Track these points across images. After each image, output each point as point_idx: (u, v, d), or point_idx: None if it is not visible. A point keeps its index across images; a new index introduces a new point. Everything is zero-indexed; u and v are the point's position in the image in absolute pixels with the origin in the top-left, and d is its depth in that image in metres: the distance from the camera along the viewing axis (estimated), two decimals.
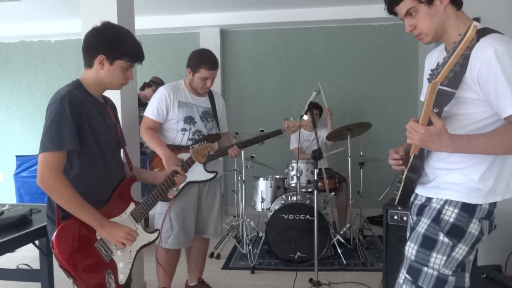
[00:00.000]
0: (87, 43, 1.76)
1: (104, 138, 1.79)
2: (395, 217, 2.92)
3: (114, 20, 2.87)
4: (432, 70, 1.33)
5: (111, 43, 1.72)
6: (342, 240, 3.99)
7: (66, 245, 1.61)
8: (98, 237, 1.71)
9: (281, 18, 5.24)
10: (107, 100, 1.94)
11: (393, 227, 2.92)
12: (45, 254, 2.40)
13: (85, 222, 1.65)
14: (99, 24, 1.76)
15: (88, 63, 1.77)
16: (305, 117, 3.02)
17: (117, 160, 1.90)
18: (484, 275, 2.23)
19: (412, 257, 1.54)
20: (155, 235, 1.97)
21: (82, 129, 1.67)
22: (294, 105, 5.39)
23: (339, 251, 3.75)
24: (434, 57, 1.69)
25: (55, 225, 1.67)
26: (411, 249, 1.55)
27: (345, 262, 3.67)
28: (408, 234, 1.74)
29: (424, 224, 1.53)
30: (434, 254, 1.49)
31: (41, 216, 2.28)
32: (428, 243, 1.50)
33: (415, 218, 1.62)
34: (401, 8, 1.52)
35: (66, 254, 1.60)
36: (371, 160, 4.31)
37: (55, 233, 1.61)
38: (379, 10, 5.59)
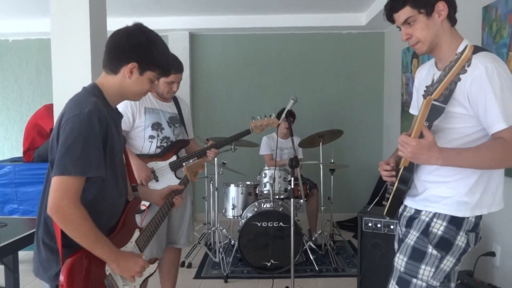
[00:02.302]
0: (117, 46, 1.51)
1: (119, 157, 1.57)
2: (370, 224, 2.98)
3: (86, 20, 2.77)
4: (427, 87, 1.36)
5: (147, 51, 1.49)
6: (314, 246, 4.02)
7: (78, 284, 1.39)
8: (107, 272, 1.49)
9: (251, 23, 5.23)
10: (118, 110, 1.68)
11: (368, 234, 2.98)
12: (11, 270, 2.26)
13: (97, 256, 1.43)
14: (129, 25, 1.53)
15: (113, 69, 1.52)
16: (272, 115, 3.00)
17: (125, 181, 1.67)
18: (459, 281, 2.30)
19: (402, 269, 1.56)
20: (155, 266, 1.77)
21: (104, 150, 1.44)
22: (264, 111, 5.28)
23: (311, 258, 3.77)
24: (424, 72, 1.72)
25: (53, 254, 1.44)
26: (400, 261, 1.57)
27: (317, 269, 3.69)
28: (396, 244, 1.77)
29: (413, 236, 1.56)
30: (423, 266, 1.52)
31: (7, 231, 2.14)
32: (417, 255, 1.53)
33: (404, 229, 1.65)
34: (400, 16, 1.54)
35: None
36: (341, 167, 4.38)
37: (65, 270, 1.36)
38: (347, 19, 5.75)
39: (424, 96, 1.34)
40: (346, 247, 4.39)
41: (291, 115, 4.42)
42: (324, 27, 5.27)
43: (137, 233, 1.66)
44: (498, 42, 2.64)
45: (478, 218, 1.54)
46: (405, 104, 4.62)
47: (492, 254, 2.73)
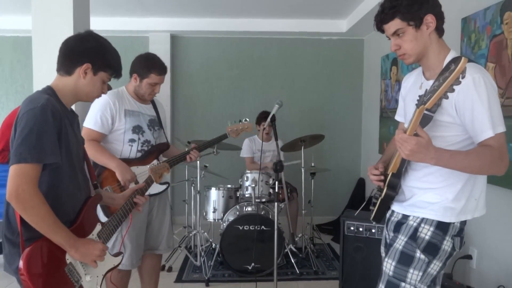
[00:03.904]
0: (71, 49, 1.65)
1: (75, 153, 1.67)
2: (352, 228, 3.03)
3: (70, 19, 2.72)
4: (420, 96, 1.39)
5: (100, 53, 1.65)
6: (294, 249, 4.05)
7: (37, 271, 1.44)
8: (68, 261, 1.56)
9: (233, 27, 5.23)
10: (74, 111, 1.81)
11: (350, 238, 3.03)
12: None
13: (56, 243, 1.51)
14: (81, 32, 1.69)
15: (67, 70, 1.65)
16: (247, 120, 3.03)
17: (84, 176, 1.78)
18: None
19: (390, 273, 1.60)
20: (119, 258, 1.85)
21: (59, 142, 1.54)
22: (245, 114, 5.35)
23: (292, 261, 3.80)
24: (411, 80, 1.77)
25: (15, 247, 1.51)
26: (389, 265, 1.61)
27: (298, 272, 3.72)
28: (382, 247, 1.81)
29: (401, 241, 1.60)
30: (411, 270, 1.56)
31: None
32: (405, 259, 1.57)
33: (391, 234, 1.69)
34: (390, 27, 1.58)
35: (38, 280, 1.45)
36: (322, 171, 4.43)
37: (24, 257, 1.44)
38: (327, 25, 5.83)
39: (418, 105, 1.38)
40: (325, 250, 4.44)
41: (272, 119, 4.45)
42: (305, 33, 5.32)
43: (98, 227, 1.75)
44: (477, 53, 2.74)
45: (463, 223, 1.59)
46: (384, 110, 4.72)
47: (469, 257, 2.82)
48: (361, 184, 5.50)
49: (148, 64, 2.53)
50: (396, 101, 4.33)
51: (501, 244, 2.62)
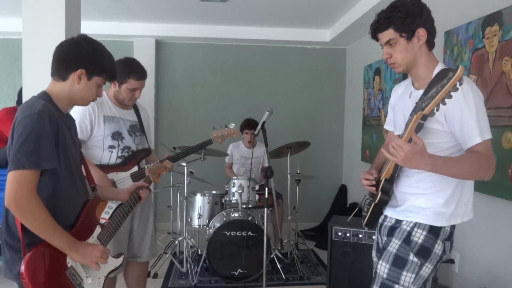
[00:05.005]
0: (65, 54, 1.65)
1: (73, 157, 1.68)
2: (339, 234, 3.09)
3: (62, 22, 2.70)
4: (417, 103, 1.47)
5: (93, 58, 1.66)
6: (280, 255, 4.09)
7: (38, 275, 1.46)
8: (69, 265, 1.58)
9: (218, 34, 5.27)
10: (71, 115, 1.82)
11: (337, 243, 3.09)
12: None
13: (56, 247, 1.52)
14: (74, 36, 1.69)
15: (62, 76, 1.65)
16: (232, 125, 3.06)
17: (83, 180, 1.79)
18: None
19: (384, 275, 1.66)
20: (120, 259, 1.87)
21: (57, 147, 1.55)
22: (229, 120, 5.34)
23: (279, 266, 3.84)
24: (400, 90, 1.85)
25: (16, 253, 1.52)
26: (383, 268, 1.67)
27: (284, 277, 3.76)
28: (374, 252, 1.87)
29: (395, 244, 1.66)
30: (404, 273, 1.62)
31: None
32: (399, 262, 1.64)
33: (385, 238, 1.75)
34: (383, 36, 1.67)
35: (39, 285, 1.46)
36: (307, 178, 4.49)
37: (25, 262, 1.45)
38: (311, 34, 5.93)
39: (415, 111, 1.45)
40: (309, 255, 4.50)
41: (255, 126, 4.51)
42: (289, 41, 5.41)
43: (98, 229, 1.77)
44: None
45: (453, 227, 1.68)
46: (366, 118, 4.84)
47: (451, 261, 2.92)
48: (343, 190, 5.60)
49: (126, 69, 2.49)
50: (379, 110, 4.44)
51: (482, 248, 2.73)
